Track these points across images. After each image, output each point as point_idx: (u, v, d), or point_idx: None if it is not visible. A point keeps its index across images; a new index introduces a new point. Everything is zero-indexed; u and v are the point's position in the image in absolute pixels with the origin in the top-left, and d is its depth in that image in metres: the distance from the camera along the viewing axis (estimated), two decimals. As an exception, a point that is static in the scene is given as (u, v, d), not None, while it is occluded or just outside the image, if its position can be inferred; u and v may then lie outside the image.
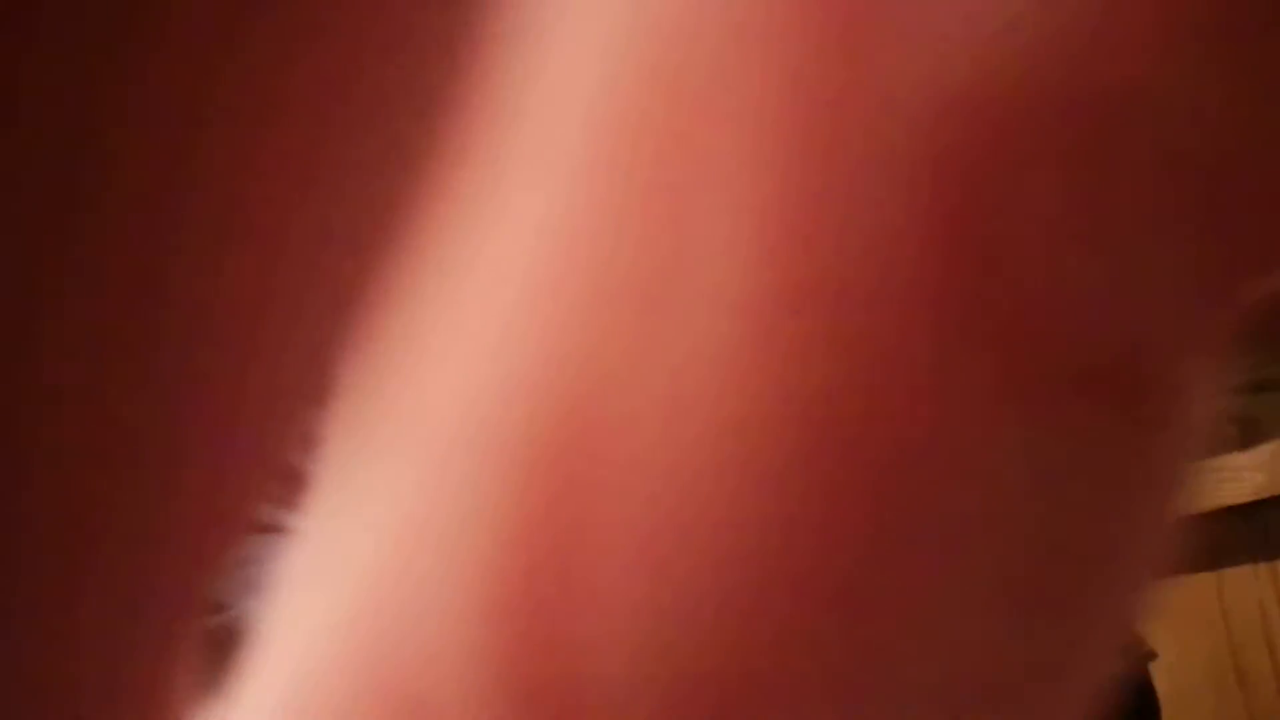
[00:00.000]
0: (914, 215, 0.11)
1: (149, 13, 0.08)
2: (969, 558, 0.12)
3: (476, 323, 0.11)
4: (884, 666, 0.12)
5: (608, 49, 0.11)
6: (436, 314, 0.11)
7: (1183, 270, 0.12)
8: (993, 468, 0.12)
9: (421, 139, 0.11)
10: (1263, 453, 1.46)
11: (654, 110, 0.11)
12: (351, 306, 0.11)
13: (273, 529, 0.11)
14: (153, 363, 0.09)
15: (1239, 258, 0.12)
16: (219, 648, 0.11)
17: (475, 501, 0.11)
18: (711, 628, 0.11)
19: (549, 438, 0.11)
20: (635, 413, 0.11)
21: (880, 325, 0.11)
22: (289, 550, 0.11)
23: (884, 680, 0.12)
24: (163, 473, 0.10)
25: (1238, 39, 0.11)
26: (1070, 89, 0.11)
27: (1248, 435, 1.43)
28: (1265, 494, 1.47)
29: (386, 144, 0.11)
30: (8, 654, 0.09)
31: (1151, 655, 1.24)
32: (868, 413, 0.11)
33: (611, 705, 0.11)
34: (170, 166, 0.09)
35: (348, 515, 0.11)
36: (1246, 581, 1.54)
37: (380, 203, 0.11)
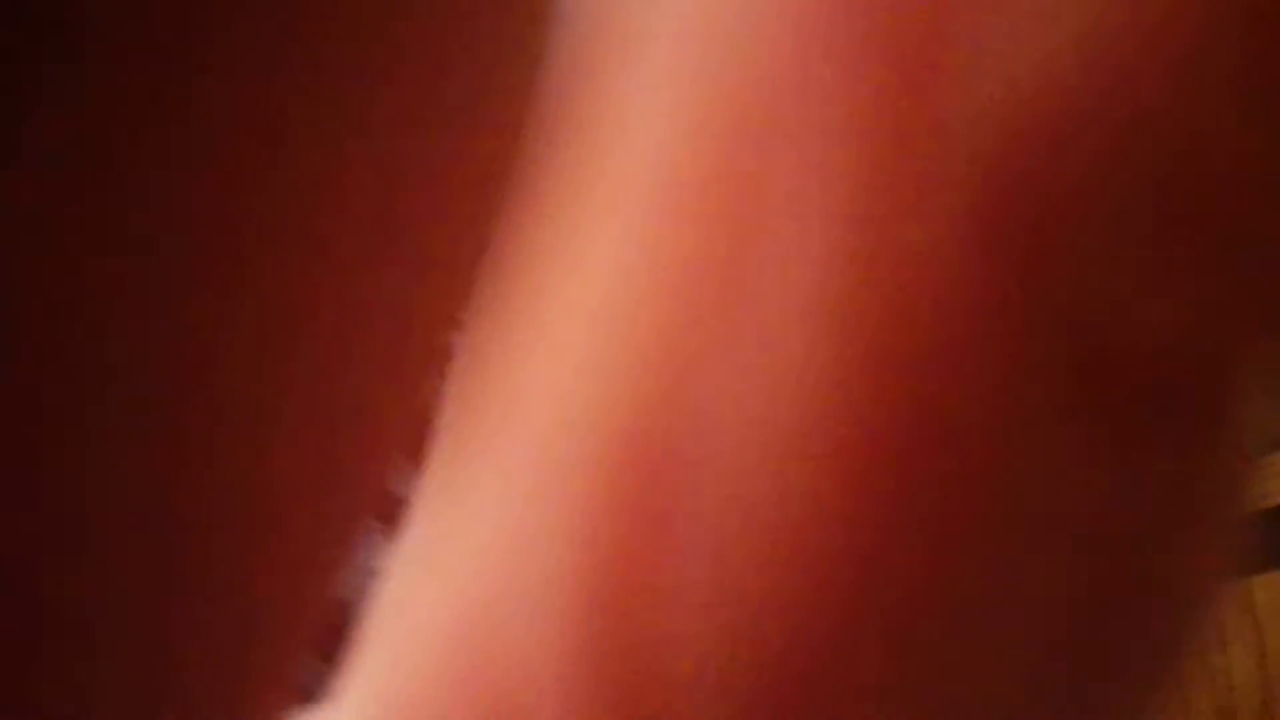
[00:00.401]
0: (980, 240, 0.11)
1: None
2: (1032, 574, 0.12)
3: (562, 341, 0.12)
4: (939, 676, 0.12)
5: (680, 86, 0.12)
6: (525, 333, 0.12)
7: (1243, 290, 0.12)
8: (1060, 485, 0.12)
9: (505, 167, 0.12)
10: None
11: (724, 140, 0.12)
12: (446, 331, 0.11)
13: (375, 544, 0.11)
14: (281, 396, 0.10)
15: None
16: (326, 654, 0.11)
17: (565, 508, 0.11)
18: (781, 627, 0.11)
19: (633, 444, 0.11)
20: (714, 418, 0.11)
21: (949, 344, 0.11)
22: (390, 561, 0.12)
23: (939, 687, 0.12)
24: (278, 492, 0.10)
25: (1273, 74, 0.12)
26: (1122, 110, 0.12)
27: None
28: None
29: (473, 173, 0.11)
30: (136, 657, 0.10)
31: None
32: (936, 425, 0.12)
33: (695, 706, 0.11)
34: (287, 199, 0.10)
35: (443, 527, 0.12)
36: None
37: (471, 228, 0.11)
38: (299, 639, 0.11)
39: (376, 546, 0.11)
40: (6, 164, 0.08)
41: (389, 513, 0.11)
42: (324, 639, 0.11)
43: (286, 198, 0.09)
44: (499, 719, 0.11)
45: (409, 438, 0.11)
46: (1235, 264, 0.12)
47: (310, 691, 0.11)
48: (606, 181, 0.12)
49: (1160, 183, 0.12)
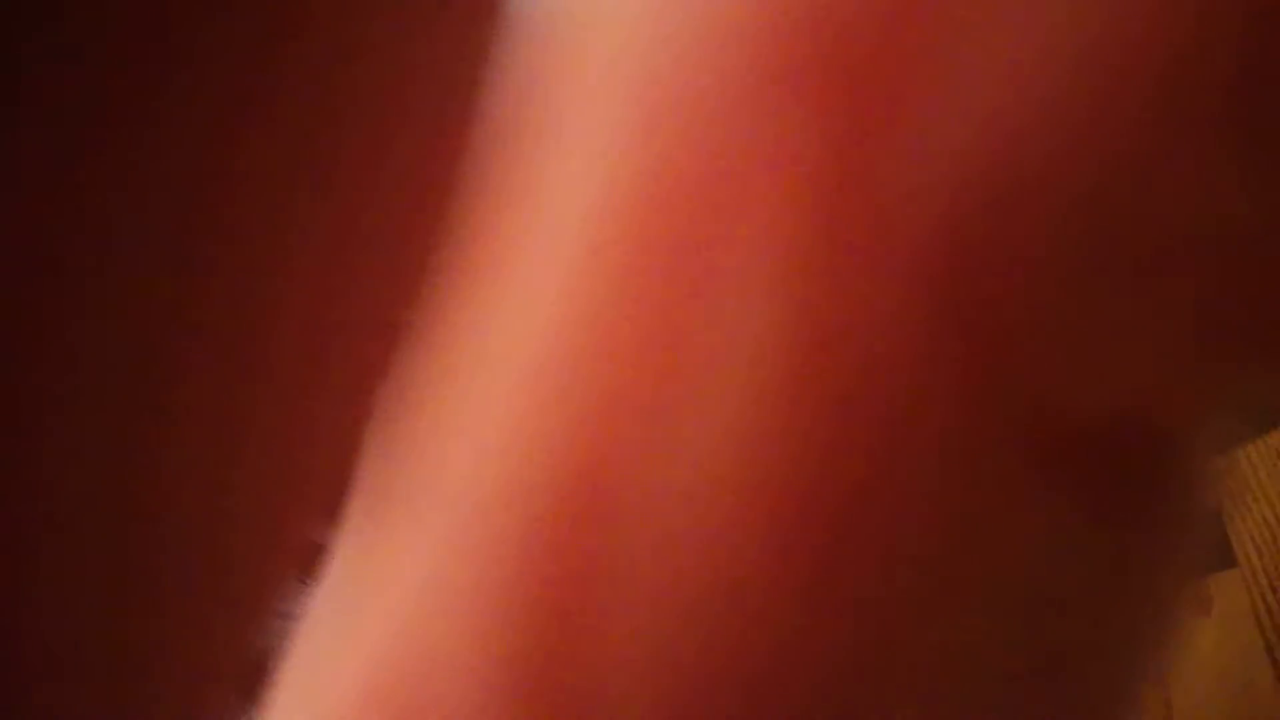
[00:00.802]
0: (931, 304, 0.11)
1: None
2: (977, 638, 0.12)
3: (494, 393, 0.12)
4: None
5: (623, 135, 0.11)
6: (455, 383, 0.12)
7: (1194, 343, 0.12)
8: (1008, 550, 0.12)
9: (435, 217, 0.12)
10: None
11: (668, 196, 0.11)
12: (376, 382, 0.11)
13: (295, 592, 0.11)
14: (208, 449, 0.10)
15: (1245, 339, 0.12)
16: (246, 696, 0.11)
17: (488, 562, 0.11)
18: (710, 688, 0.11)
19: (562, 502, 0.11)
20: (647, 478, 0.11)
21: (896, 407, 0.11)
22: (308, 611, 0.12)
23: None
24: (206, 545, 0.10)
25: (1252, 125, 0.11)
26: (1078, 169, 0.11)
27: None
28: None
29: (406, 225, 0.11)
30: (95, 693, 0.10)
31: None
32: (880, 491, 0.11)
33: None
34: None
35: (363, 578, 0.12)
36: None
37: (402, 280, 0.11)
38: (219, 683, 0.11)
39: (296, 595, 0.11)
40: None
41: (309, 562, 0.11)
42: (243, 682, 0.11)
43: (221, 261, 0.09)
44: None
45: (330, 488, 0.11)
46: (1201, 325, 0.12)
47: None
48: (544, 237, 0.11)
49: (1123, 243, 0.11)
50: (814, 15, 0.11)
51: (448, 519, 0.11)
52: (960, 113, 0.11)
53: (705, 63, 0.11)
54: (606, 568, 0.11)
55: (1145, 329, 0.12)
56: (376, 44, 0.10)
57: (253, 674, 0.11)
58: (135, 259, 0.10)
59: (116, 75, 0.09)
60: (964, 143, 0.11)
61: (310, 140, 0.10)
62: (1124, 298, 0.12)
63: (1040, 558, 0.12)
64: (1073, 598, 0.12)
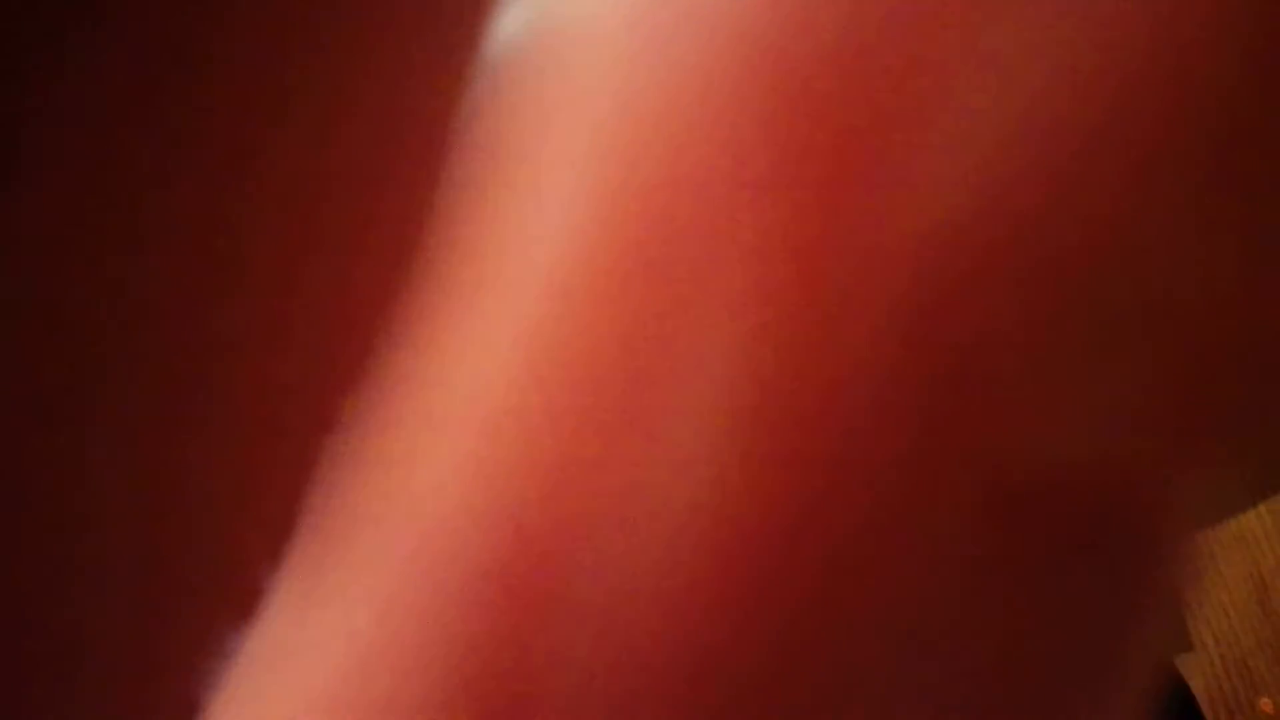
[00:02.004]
0: (901, 359, 0.11)
1: None
2: (932, 702, 0.12)
3: (446, 431, 0.11)
4: None
5: (598, 174, 0.11)
6: (405, 424, 0.12)
7: (1181, 419, 0.12)
8: (969, 615, 0.12)
9: (395, 262, 0.11)
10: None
11: (641, 231, 0.11)
12: (324, 426, 0.11)
13: (232, 634, 0.11)
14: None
15: (1217, 407, 0.12)
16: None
17: (432, 608, 0.11)
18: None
19: (513, 546, 0.11)
20: (602, 521, 0.11)
21: (858, 444, 0.11)
22: (245, 653, 0.12)
23: None
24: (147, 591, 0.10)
25: (1228, 189, 0.11)
26: (1058, 226, 0.11)
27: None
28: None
29: (363, 268, 0.11)
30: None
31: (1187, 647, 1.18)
32: (844, 527, 0.11)
33: None
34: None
35: (302, 622, 0.12)
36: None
37: (358, 322, 0.11)
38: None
39: (233, 637, 0.11)
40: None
41: (247, 604, 0.11)
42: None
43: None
44: None
45: (274, 528, 0.11)
46: (1176, 389, 0.12)
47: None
48: (508, 266, 0.11)
49: (1097, 303, 0.11)
50: (798, 61, 0.11)
51: (395, 564, 0.11)
52: (943, 163, 0.11)
53: (686, 98, 0.11)
54: (557, 618, 0.11)
55: (1114, 390, 0.12)
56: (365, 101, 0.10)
57: (187, 715, 0.11)
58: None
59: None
60: (945, 192, 0.11)
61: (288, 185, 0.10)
62: (1094, 357, 0.11)
63: (998, 621, 0.12)
64: (1030, 664, 0.12)
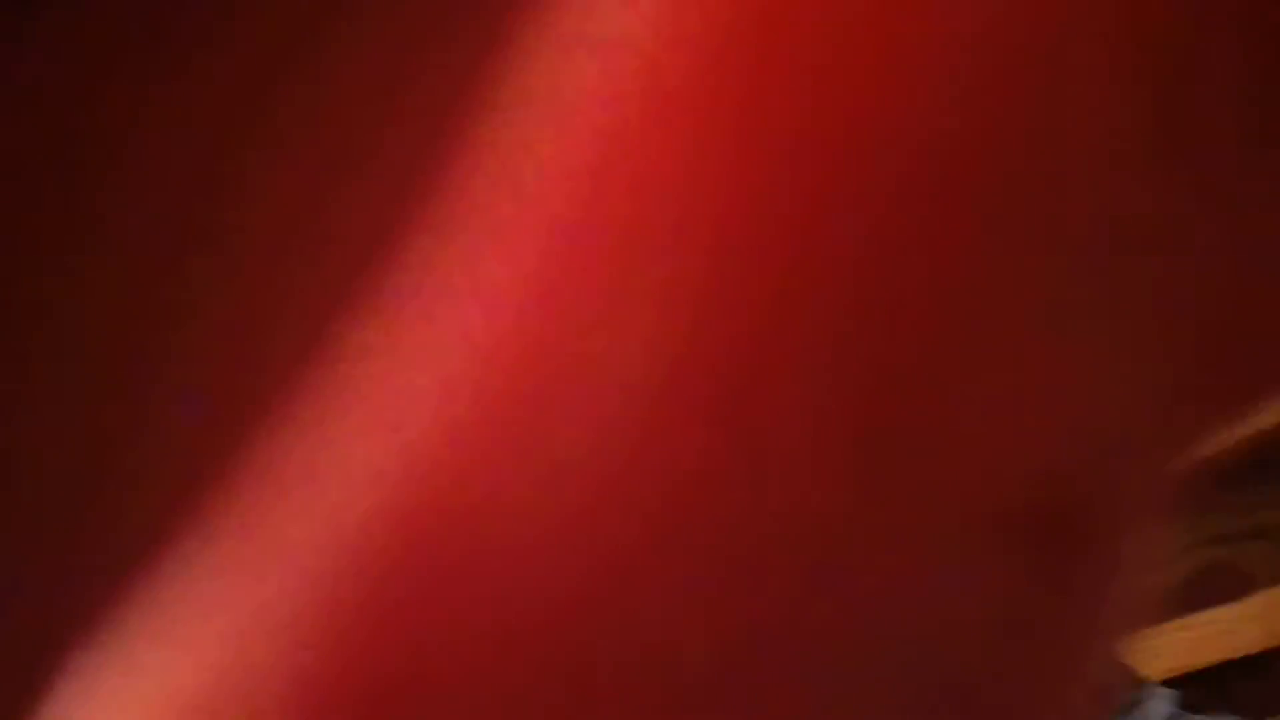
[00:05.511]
0: (837, 349, 0.10)
1: None
2: (887, 690, 0.11)
3: (350, 440, 0.10)
4: None
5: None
6: (307, 431, 0.10)
7: (1137, 408, 0.11)
8: (919, 601, 0.11)
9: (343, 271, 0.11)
10: (1255, 604, 1.44)
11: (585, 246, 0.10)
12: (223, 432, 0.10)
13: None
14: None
15: (1217, 392, 0.12)
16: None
17: (311, 616, 0.10)
18: None
19: (403, 551, 0.10)
20: (497, 533, 0.10)
21: (800, 459, 0.10)
22: (120, 659, 0.11)
23: None
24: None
25: (1226, 173, 0.11)
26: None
27: (1239, 586, 1.42)
28: (1260, 647, 1.44)
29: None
30: None
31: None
32: (784, 544, 0.11)
33: None
34: None
35: (184, 625, 0.11)
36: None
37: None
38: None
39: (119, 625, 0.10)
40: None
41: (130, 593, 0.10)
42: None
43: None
44: None
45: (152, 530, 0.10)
46: (1126, 378, 0.11)
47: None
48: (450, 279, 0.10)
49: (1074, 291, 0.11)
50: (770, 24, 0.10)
51: (271, 562, 0.10)
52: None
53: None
54: (449, 611, 0.10)
55: (1099, 377, 0.11)
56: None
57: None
58: None
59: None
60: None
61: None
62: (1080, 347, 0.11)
63: (967, 621, 0.11)
64: (995, 667, 0.12)
